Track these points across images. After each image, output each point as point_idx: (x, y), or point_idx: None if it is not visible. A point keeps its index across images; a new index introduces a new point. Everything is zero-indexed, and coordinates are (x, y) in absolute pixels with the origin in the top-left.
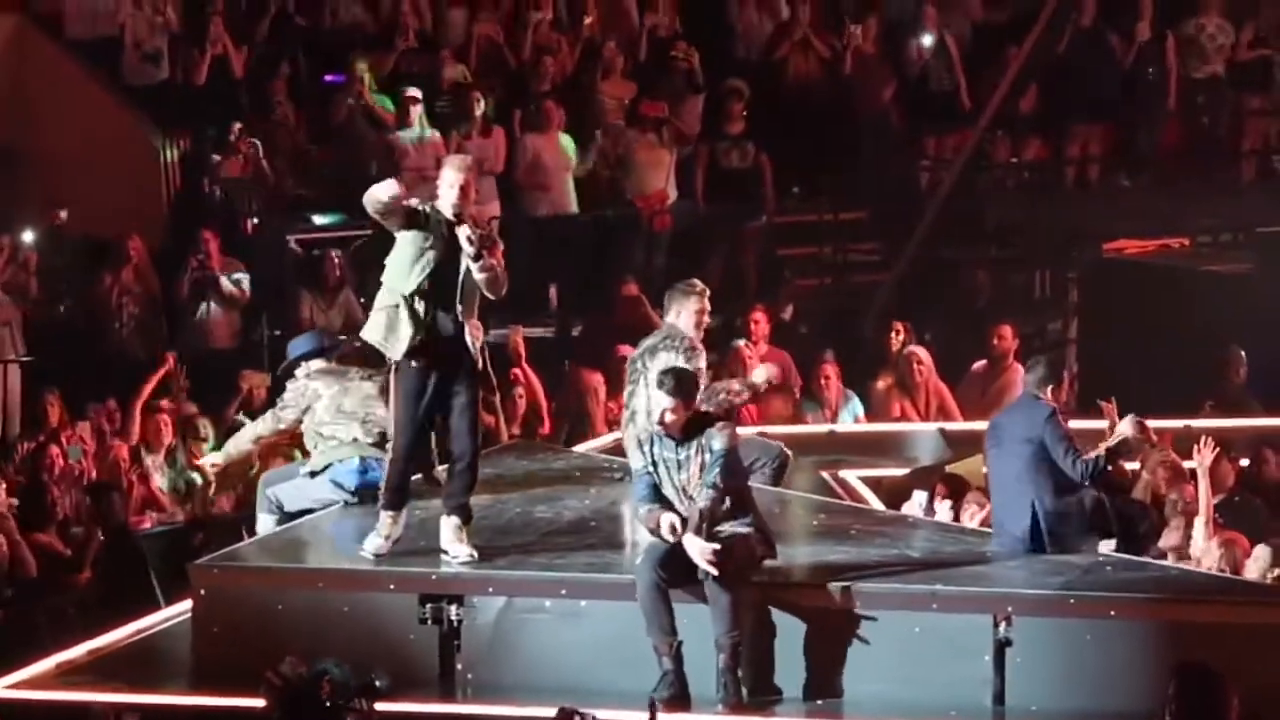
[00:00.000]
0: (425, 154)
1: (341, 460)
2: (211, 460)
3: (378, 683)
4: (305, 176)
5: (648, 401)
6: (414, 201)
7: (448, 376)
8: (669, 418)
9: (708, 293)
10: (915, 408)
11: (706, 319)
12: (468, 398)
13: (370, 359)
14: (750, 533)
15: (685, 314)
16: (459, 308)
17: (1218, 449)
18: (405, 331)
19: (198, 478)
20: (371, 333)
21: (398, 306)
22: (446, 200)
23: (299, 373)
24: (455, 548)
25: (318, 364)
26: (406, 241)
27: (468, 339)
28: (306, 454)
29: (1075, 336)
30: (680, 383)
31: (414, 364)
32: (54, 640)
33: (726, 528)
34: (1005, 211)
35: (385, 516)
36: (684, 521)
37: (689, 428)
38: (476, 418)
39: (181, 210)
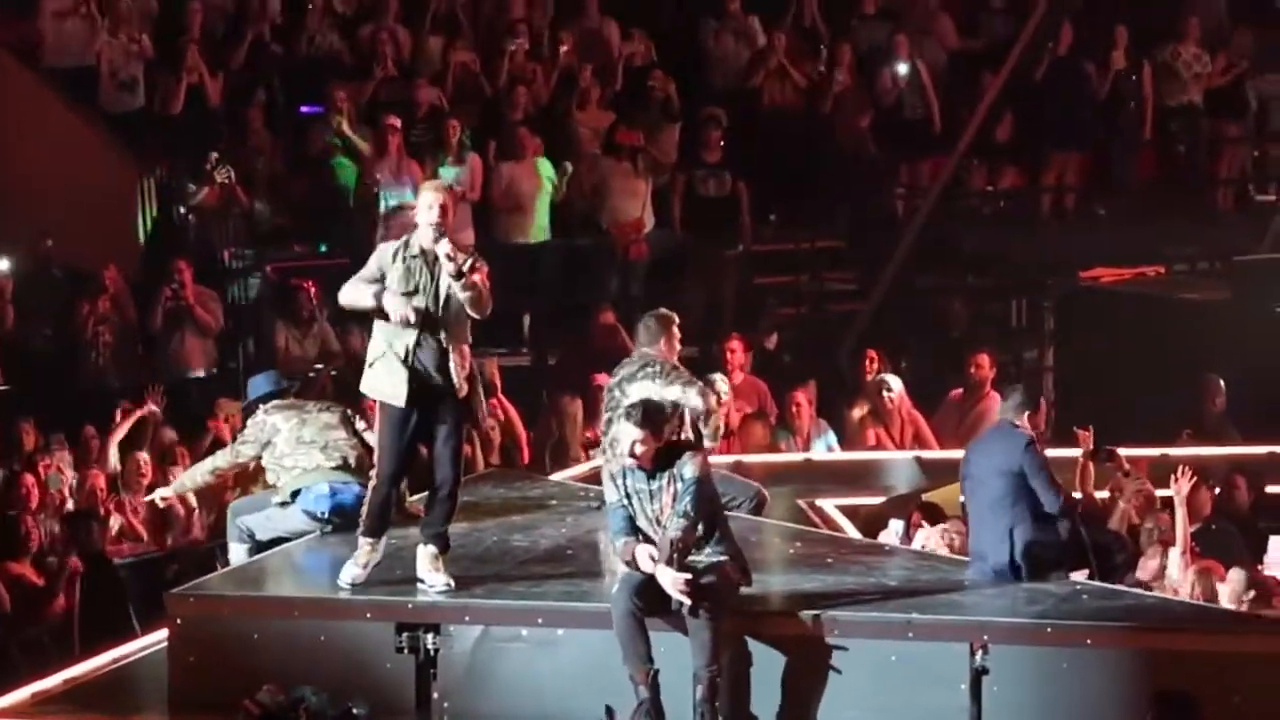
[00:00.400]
0: (403, 183)
1: (309, 487)
2: (161, 493)
3: (355, 711)
4: (281, 205)
5: None
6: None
7: (433, 404)
8: (638, 449)
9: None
10: (890, 436)
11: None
12: (451, 426)
13: (333, 395)
14: (726, 561)
15: (666, 342)
16: (442, 334)
17: (1194, 478)
18: (402, 379)
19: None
20: (373, 387)
21: (386, 355)
22: (425, 222)
23: (260, 409)
24: (431, 576)
25: (276, 400)
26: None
27: (452, 366)
28: (268, 486)
29: (1051, 365)
30: (647, 414)
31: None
32: (29, 670)
33: (702, 557)
34: (981, 240)
35: (364, 543)
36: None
37: (660, 458)
38: (460, 446)
39: (158, 239)
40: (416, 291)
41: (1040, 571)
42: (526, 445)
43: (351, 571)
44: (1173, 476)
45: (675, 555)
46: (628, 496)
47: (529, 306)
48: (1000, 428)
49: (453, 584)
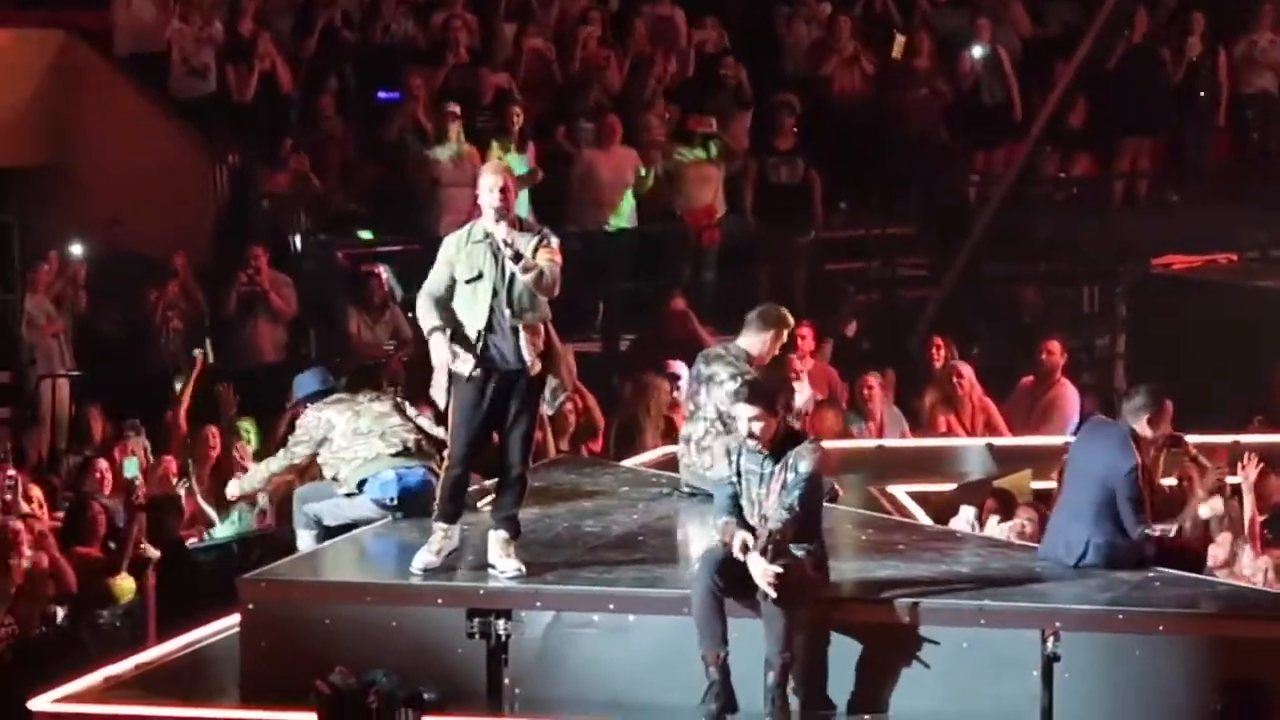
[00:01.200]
0: (463, 169)
1: (375, 474)
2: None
3: (426, 695)
4: (353, 191)
5: (704, 430)
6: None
7: (504, 386)
8: (756, 428)
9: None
10: (961, 422)
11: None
12: (521, 408)
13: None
14: (805, 559)
15: (772, 341)
16: (506, 313)
17: (1262, 464)
18: (470, 355)
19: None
20: (436, 394)
21: (456, 336)
22: (488, 205)
23: (310, 407)
24: (503, 562)
25: (325, 397)
26: (463, 287)
27: (523, 345)
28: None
29: (1123, 352)
30: (755, 391)
31: (470, 377)
32: (100, 654)
33: (790, 551)
34: (1054, 226)
35: (438, 530)
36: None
37: (777, 442)
38: (530, 430)
39: (229, 225)
40: (480, 277)
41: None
42: (603, 431)
43: (424, 558)
44: (1240, 463)
45: (771, 546)
46: (738, 474)
47: (602, 293)
48: (1118, 428)
49: (524, 569)
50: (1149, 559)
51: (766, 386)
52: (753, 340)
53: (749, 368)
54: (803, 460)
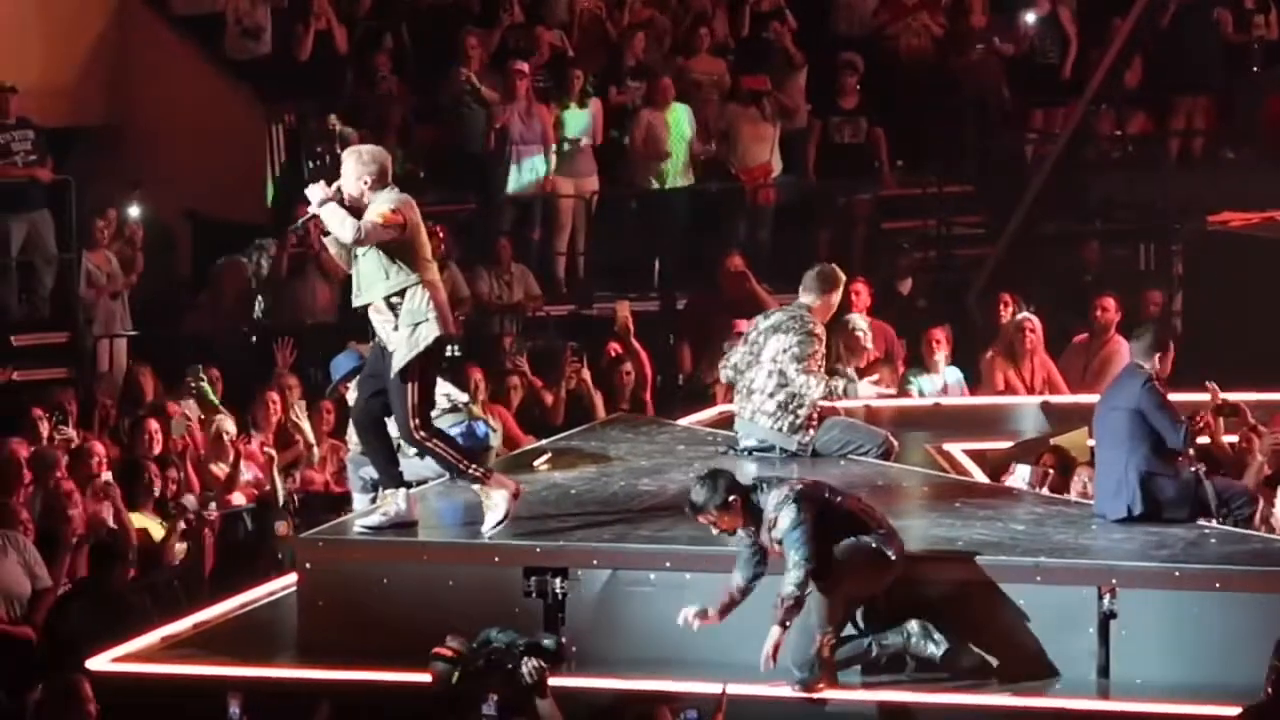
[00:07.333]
0: (532, 128)
1: (446, 429)
2: None
3: (545, 642)
4: (411, 151)
5: (766, 378)
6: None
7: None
8: (720, 529)
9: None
10: (1020, 377)
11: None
12: (388, 382)
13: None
14: (867, 542)
15: (823, 300)
16: (358, 289)
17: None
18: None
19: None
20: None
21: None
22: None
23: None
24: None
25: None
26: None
27: (376, 322)
28: None
29: (1179, 309)
30: (694, 504)
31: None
32: (159, 614)
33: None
34: (1110, 185)
35: (385, 496)
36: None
37: (747, 517)
38: (396, 400)
39: (285, 185)
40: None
41: (1159, 509)
42: (651, 389)
43: (374, 519)
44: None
45: (785, 610)
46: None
47: (658, 252)
48: (1128, 369)
49: (369, 529)
50: (1193, 485)
51: (709, 487)
52: (813, 300)
53: (813, 320)
54: (782, 517)
